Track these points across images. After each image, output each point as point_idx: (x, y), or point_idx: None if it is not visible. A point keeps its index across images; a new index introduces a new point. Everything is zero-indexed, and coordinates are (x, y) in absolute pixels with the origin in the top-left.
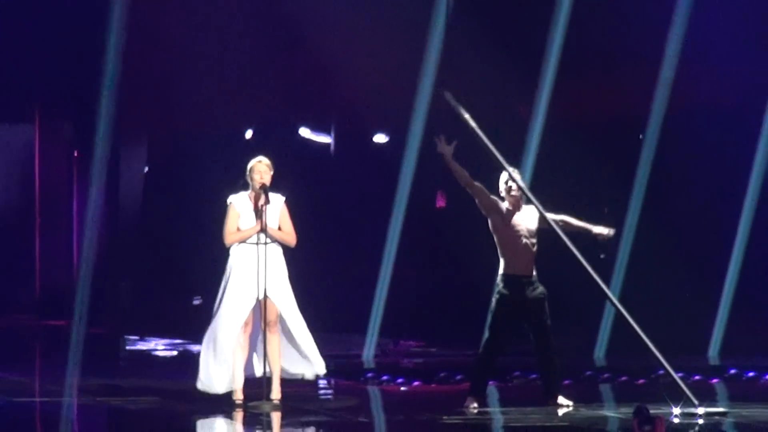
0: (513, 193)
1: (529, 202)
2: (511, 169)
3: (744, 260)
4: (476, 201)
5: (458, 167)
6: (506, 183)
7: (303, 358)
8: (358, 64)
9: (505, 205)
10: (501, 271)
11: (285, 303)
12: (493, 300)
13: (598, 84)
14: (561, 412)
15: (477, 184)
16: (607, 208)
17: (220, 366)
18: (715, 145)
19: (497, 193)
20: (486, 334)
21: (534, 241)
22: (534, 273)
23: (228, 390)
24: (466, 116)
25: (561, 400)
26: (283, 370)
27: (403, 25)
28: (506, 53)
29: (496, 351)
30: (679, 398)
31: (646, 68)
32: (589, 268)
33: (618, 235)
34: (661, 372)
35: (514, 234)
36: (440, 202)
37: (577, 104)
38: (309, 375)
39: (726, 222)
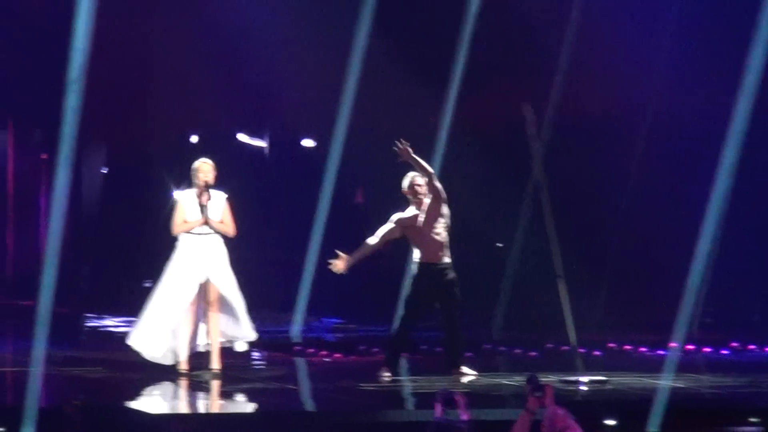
0: (420, 195)
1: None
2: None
3: (618, 251)
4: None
5: (366, 250)
6: (413, 185)
7: (238, 325)
8: (288, 79)
9: (408, 212)
10: (415, 259)
11: (226, 284)
12: (409, 284)
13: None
14: (465, 380)
15: (378, 239)
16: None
17: (160, 335)
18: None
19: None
20: (401, 313)
21: (439, 231)
22: (446, 260)
23: (163, 358)
24: None
25: (465, 369)
26: (221, 333)
27: (327, 46)
28: (418, 68)
29: (409, 327)
30: (565, 368)
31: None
32: None
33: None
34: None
35: (421, 230)
36: (359, 198)
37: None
38: (239, 345)
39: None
